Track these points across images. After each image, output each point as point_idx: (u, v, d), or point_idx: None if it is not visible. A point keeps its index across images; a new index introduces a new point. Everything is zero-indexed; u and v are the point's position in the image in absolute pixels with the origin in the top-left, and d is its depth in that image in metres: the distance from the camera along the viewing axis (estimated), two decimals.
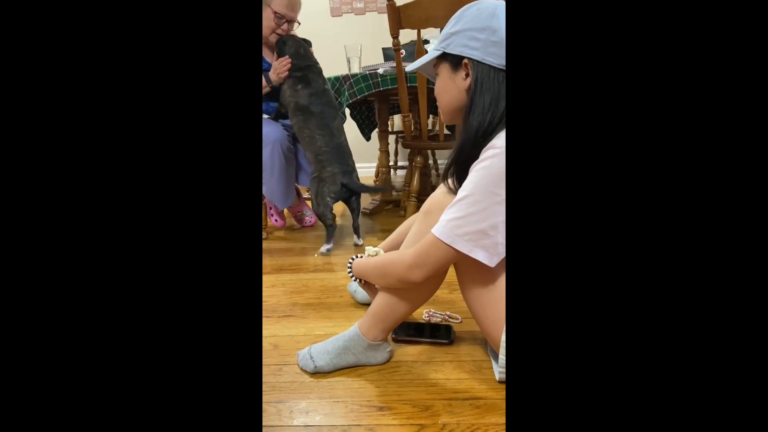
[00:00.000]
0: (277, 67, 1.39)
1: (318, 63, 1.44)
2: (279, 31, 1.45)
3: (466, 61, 0.63)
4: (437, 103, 0.71)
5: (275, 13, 1.43)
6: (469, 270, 0.68)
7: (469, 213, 0.59)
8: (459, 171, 0.67)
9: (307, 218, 1.71)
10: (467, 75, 0.64)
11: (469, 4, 0.65)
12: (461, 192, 0.61)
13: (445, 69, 0.67)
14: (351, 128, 2.26)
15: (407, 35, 1.54)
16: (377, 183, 2.28)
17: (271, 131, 1.42)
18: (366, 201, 2.08)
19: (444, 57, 0.66)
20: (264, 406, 0.69)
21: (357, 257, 0.82)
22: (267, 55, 1.53)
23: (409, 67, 0.73)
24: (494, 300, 0.67)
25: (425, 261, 0.64)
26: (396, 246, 0.90)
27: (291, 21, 1.47)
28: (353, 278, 0.82)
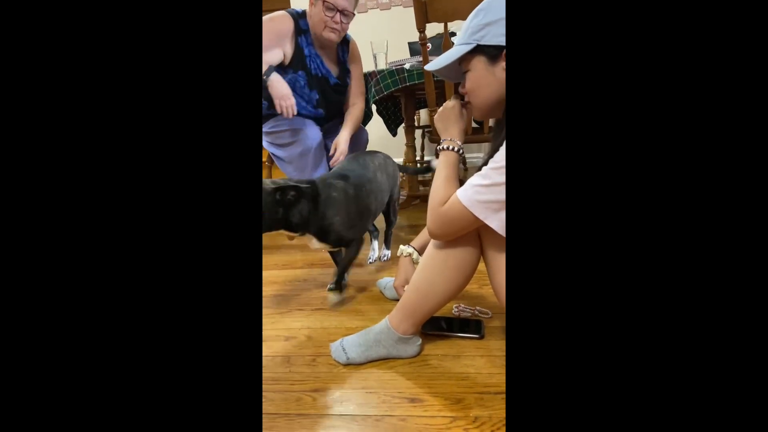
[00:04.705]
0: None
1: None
2: (333, 25, 1.29)
3: None
4: (469, 99, 0.69)
5: (324, 2, 1.26)
6: (492, 238, 0.69)
7: (495, 183, 0.60)
8: None
9: None
10: None
11: None
12: (492, 162, 0.61)
13: (480, 62, 0.65)
14: (377, 124, 2.27)
15: (433, 29, 1.53)
16: (403, 178, 2.29)
17: (311, 130, 1.41)
18: None
19: (478, 50, 0.64)
20: (299, 395, 0.72)
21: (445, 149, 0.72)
22: (317, 46, 1.38)
23: (432, 65, 0.70)
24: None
25: (443, 218, 0.66)
26: (427, 243, 0.91)
27: (344, 12, 1.30)
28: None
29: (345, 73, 1.48)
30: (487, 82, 0.65)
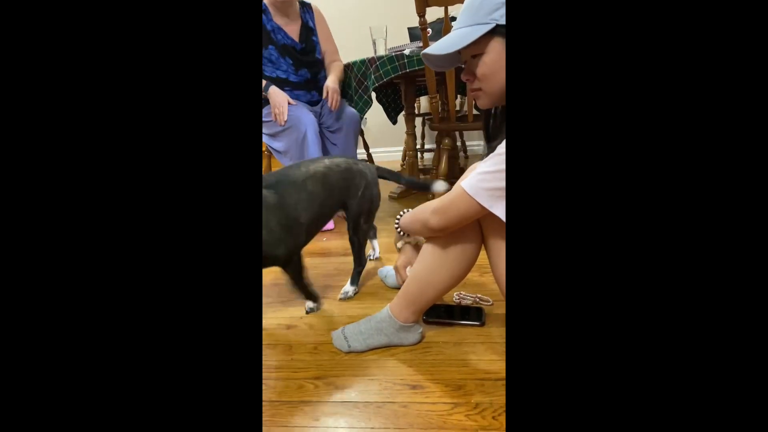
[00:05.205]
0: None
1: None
2: None
3: None
4: (481, 86, 0.64)
5: None
6: (494, 227, 0.69)
7: (500, 169, 0.58)
8: None
9: None
10: None
11: None
12: (500, 148, 0.60)
13: (498, 44, 0.59)
14: (377, 112, 2.25)
15: (433, 13, 1.50)
16: (404, 167, 2.27)
17: (304, 115, 1.46)
18: (393, 185, 2.08)
19: (494, 31, 0.59)
20: (302, 382, 0.73)
21: (405, 212, 0.85)
22: (277, 17, 1.50)
23: (435, 49, 0.64)
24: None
25: (446, 208, 0.66)
26: None
27: None
28: (399, 232, 0.86)
29: (306, 34, 1.59)
30: (504, 65, 0.60)
